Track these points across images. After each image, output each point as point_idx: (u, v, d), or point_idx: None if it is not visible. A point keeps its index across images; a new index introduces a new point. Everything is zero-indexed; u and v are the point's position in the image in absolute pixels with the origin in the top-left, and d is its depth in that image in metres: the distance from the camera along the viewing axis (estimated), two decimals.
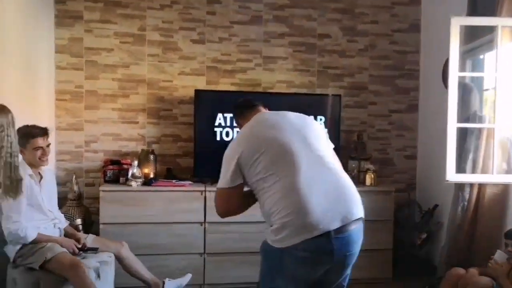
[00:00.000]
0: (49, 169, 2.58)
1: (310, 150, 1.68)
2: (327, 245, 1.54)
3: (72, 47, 3.41)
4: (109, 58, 3.45)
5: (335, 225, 1.55)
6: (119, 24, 3.45)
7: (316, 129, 1.82)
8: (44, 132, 2.39)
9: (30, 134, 2.33)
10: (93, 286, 2.18)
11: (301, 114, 1.86)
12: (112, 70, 3.46)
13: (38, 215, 2.37)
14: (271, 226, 1.63)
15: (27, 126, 2.37)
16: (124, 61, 3.47)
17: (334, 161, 1.75)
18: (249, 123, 1.83)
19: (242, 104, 1.99)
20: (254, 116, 1.87)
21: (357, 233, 1.64)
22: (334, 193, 1.62)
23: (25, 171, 2.31)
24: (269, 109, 1.96)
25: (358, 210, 1.67)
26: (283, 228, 1.56)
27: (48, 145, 2.42)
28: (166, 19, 3.50)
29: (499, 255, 2.31)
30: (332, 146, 1.85)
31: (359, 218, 1.65)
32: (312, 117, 1.92)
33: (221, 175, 1.73)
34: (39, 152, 2.36)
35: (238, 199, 1.75)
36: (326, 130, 1.98)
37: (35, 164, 2.39)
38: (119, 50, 3.46)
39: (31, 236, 2.26)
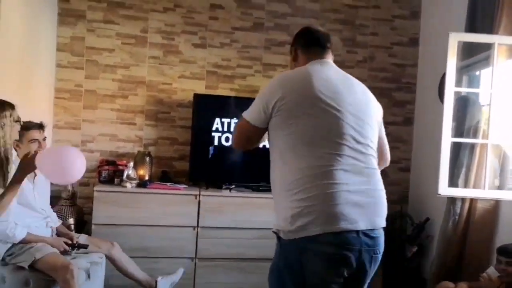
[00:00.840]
0: None
1: (360, 142, 1.46)
2: (355, 241, 1.38)
3: (74, 46, 3.43)
4: (110, 59, 3.47)
5: (364, 225, 1.40)
6: (122, 25, 3.47)
7: (375, 115, 1.55)
8: (39, 125, 2.40)
9: (25, 127, 2.32)
10: None
11: (366, 90, 1.59)
12: (112, 70, 3.47)
13: (30, 213, 2.35)
14: (284, 211, 1.43)
15: (22, 121, 2.38)
16: (125, 62, 3.49)
17: (375, 163, 1.53)
18: (306, 71, 1.52)
19: (313, 37, 1.62)
20: (316, 62, 1.56)
21: (382, 239, 1.50)
22: (367, 197, 1.46)
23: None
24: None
25: (383, 220, 1.53)
26: (304, 214, 1.37)
27: (44, 139, 2.42)
28: (168, 22, 3.52)
29: (492, 270, 2.33)
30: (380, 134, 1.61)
31: (383, 227, 1.53)
32: (373, 97, 1.61)
33: (251, 107, 1.55)
34: (35, 145, 2.34)
35: (258, 140, 1.59)
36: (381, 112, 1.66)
37: None
38: (120, 51, 3.48)
39: (20, 236, 2.23)
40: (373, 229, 1.43)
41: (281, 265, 1.46)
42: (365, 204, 1.42)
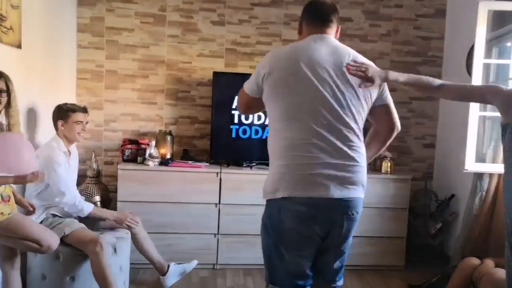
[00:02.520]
0: (75, 148, 2.67)
1: (339, 119, 1.53)
2: (326, 204, 1.52)
3: (94, 26, 3.45)
4: (130, 38, 3.48)
5: (336, 195, 1.51)
6: (140, 4, 3.46)
7: (361, 93, 1.57)
8: (84, 109, 2.57)
9: (72, 109, 2.50)
10: (109, 267, 2.23)
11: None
12: (132, 50, 3.49)
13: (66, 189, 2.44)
14: (271, 176, 1.60)
15: (66, 103, 2.55)
16: (144, 41, 3.49)
17: (353, 138, 1.57)
18: (297, 47, 1.58)
19: (316, 11, 1.64)
20: (311, 38, 1.59)
21: (357, 202, 1.58)
22: (341, 170, 1.53)
23: (59, 148, 2.41)
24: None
25: (358, 191, 1.59)
26: (283, 180, 1.54)
27: (87, 122, 2.58)
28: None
29: None
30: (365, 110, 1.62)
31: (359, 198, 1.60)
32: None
33: (250, 78, 1.67)
34: (79, 127, 2.50)
35: (257, 108, 1.74)
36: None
37: (71, 139, 2.51)
38: (140, 30, 3.48)
39: (88, 209, 2.42)
40: (345, 198, 1.54)
41: (267, 221, 1.64)
42: (337, 176, 1.52)
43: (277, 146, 1.58)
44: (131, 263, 2.69)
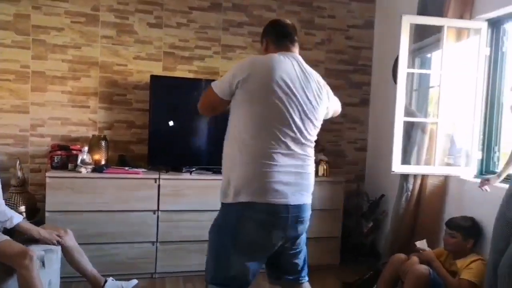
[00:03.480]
0: None
1: (301, 133, 1.68)
2: (283, 211, 1.65)
3: (18, 24, 3.20)
4: (59, 38, 3.28)
5: (292, 201, 1.66)
6: (71, 2, 3.28)
7: (322, 112, 1.76)
8: None
9: None
10: (39, 282, 2.07)
11: (321, 87, 1.75)
12: (62, 50, 3.29)
13: None
14: (228, 179, 1.68)
15: None
16: (76, 41, 3.31)
17: (309, 151, 1.75)
18: (273, 60, 1.68)
19: (283, 31, 1.79)
20: (283, 54, 1.72)
21: (307, 208, 1.75)
22: (297, 178, 1.70)
23: None
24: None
25: (309, 197, 1.79)
26: (243, 184, 1.63)
27: None
28: (121, 0, 3.37)
29: (420, 244, 2.56)
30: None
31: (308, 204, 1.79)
32: (326, 93, 1.79)
33: (221, 78, 1.75)
34: None
35: (220, 110, 1.81)
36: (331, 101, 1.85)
37: None
38: (70, 30, 3.30)
39: (17, 220, 2.23)
40: (299, 204, 1.69)
41: (222, 223, 1.71)
42: (295, 184, 1.67)
43: (244, 152, 1.65)
44: (61, 277, 2.52)
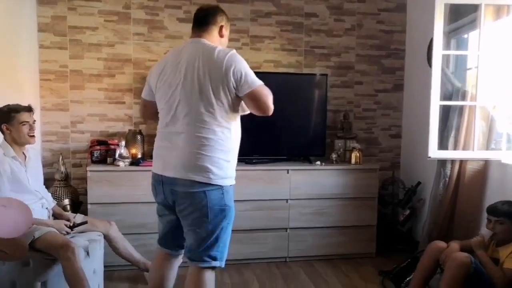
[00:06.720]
0: (33, 148, 2.56)
1: (180, 112, 1.80)
2: (159, 179, 1.90)
3: (56, 26, 3.34)
4: (94, 37, 3.40)
5: (166, 174, 1.85)
6: (104, 2, 3.39)
7: (209, 91, 1.77)
8: (28, 108, 2.39)
9: (14, 109, 2.32)
10: (81, 272, 2.17)
11: (213, 66, 1.79)
12: (97, 49, 3.41)
13: (25, 195, 2.34)
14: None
15: (9, 104, 2.36)
16: (109, 40, 3.42)
17: (188, 129, 1.78)
18: (168, 54, 1.91)
19: (195, 17, 1.92)
20: (185, 43, 1.89)
21: (183, 182, 1.80)
22: (170, 154, 1.83)
23: (7, 154, 2.30)
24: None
25: (186, 173, 1.80)
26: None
27: (34, 121, 2.41)
28: None
29: (486, 231, 2.42)
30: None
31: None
32: (221, 71, 1.82)
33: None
34: (26, 128, 2.34)
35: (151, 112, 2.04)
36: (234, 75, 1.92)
37: (23, 142, 2.37)
38: (104, 28, 3.41)
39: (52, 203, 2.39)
40: (171, 177, 1.82)
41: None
42: (168, 159, 1.84)
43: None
44: (105, 266, 2.65)
